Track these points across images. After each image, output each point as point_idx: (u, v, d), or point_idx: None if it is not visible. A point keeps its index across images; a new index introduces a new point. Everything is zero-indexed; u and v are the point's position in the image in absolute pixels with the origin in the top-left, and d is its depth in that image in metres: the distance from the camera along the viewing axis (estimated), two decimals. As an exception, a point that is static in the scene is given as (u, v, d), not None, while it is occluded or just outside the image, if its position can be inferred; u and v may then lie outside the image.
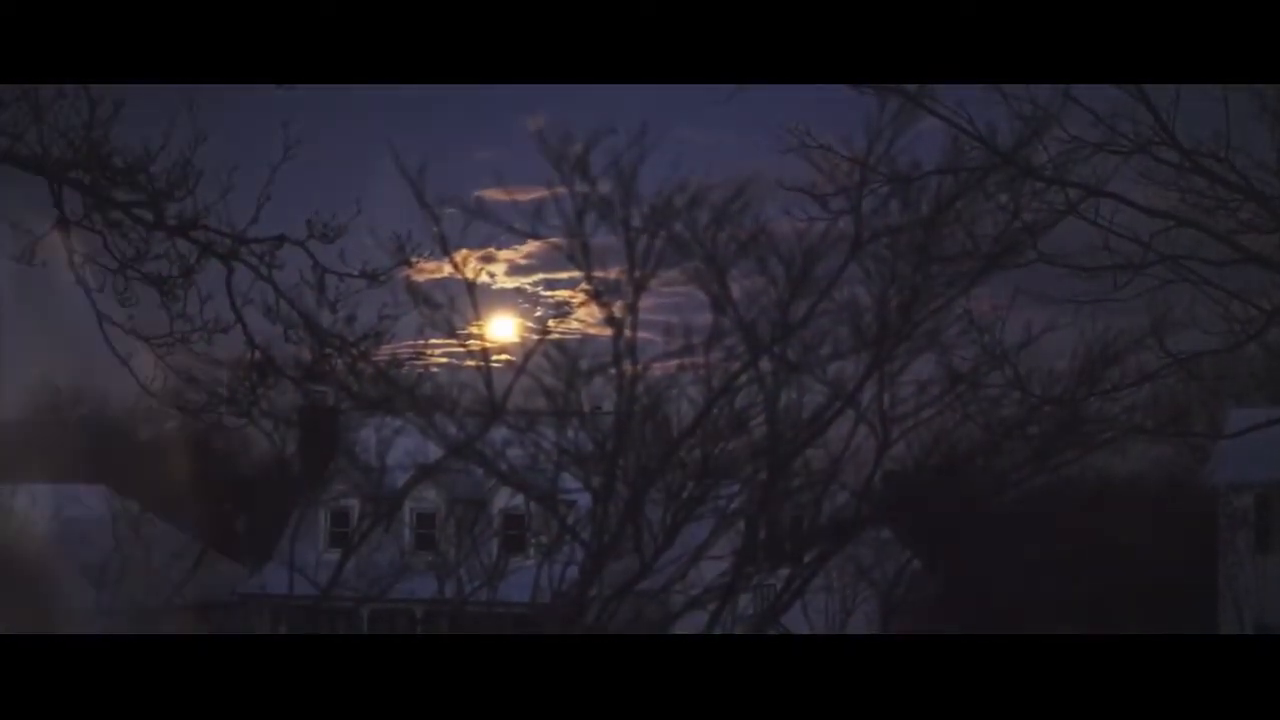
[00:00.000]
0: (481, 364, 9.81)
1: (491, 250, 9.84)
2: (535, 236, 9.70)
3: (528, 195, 9.72)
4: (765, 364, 9.95)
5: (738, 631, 10.25)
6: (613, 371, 9.87)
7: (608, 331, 9.83)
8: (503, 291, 10.14)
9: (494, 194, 9.94)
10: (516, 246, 9.91)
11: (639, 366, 9.85)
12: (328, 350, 10.53)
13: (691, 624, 9.98)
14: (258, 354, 13.54)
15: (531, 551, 10.49)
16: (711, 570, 10.27)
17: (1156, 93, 21.77)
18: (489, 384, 9.79)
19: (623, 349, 9.80)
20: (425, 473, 10.35)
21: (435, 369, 10.11)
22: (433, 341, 9.97)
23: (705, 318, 9.83)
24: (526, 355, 9.84)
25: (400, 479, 10.34)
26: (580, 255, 9.72)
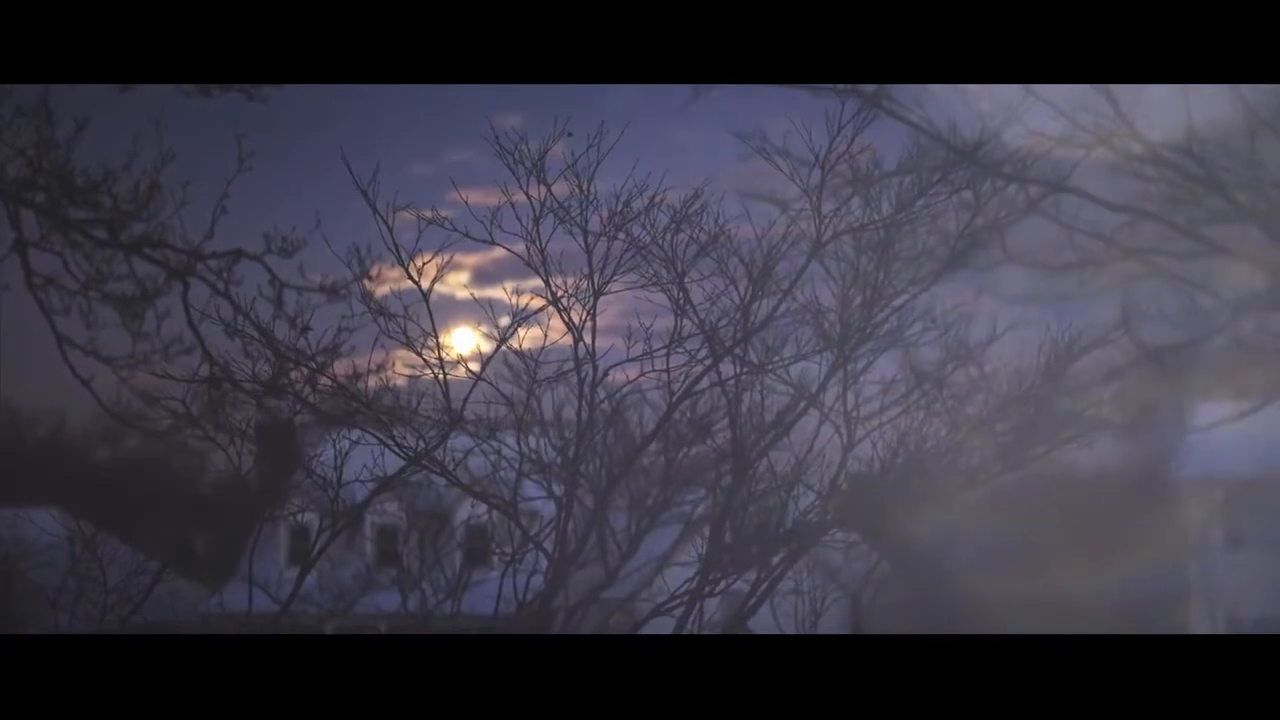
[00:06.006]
0: (440, 373, 9.68)
1: (449, 257, 9.70)
2: (493, 243, 9.60)
3: (485, 201, 9.61)
4: (727, 367, 9.85)
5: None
6: (573, 379, 9.76)
7: (568, 339, 9.72)
8: (461, 300, 10.00)
9: (452, 200, 9.82)
10: (474, 253, 9.79)
11: (599, 373, 9.75)
12: (286, 364, 10.37)
13: (658, 631, 9.85)
14: (215, 369, 13.37)
15: (495, 562, 10.34)
16: (678, 577, 10.17)
17: (1118, 84, 21.71)
18: (446, 393, 9.67)
19: (583, 355, 9.69)
20: (385, 484, 10.18)
21: (395, 381, 9.96)
22: (391, 352, 9.82)
23: (665, 321, 9.73)
24: (485, 363, 9.72)
25: (360, 493, 10.19)
26: (538, 261, 9.62)
